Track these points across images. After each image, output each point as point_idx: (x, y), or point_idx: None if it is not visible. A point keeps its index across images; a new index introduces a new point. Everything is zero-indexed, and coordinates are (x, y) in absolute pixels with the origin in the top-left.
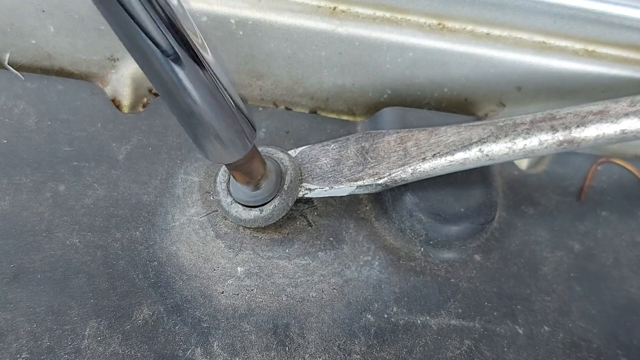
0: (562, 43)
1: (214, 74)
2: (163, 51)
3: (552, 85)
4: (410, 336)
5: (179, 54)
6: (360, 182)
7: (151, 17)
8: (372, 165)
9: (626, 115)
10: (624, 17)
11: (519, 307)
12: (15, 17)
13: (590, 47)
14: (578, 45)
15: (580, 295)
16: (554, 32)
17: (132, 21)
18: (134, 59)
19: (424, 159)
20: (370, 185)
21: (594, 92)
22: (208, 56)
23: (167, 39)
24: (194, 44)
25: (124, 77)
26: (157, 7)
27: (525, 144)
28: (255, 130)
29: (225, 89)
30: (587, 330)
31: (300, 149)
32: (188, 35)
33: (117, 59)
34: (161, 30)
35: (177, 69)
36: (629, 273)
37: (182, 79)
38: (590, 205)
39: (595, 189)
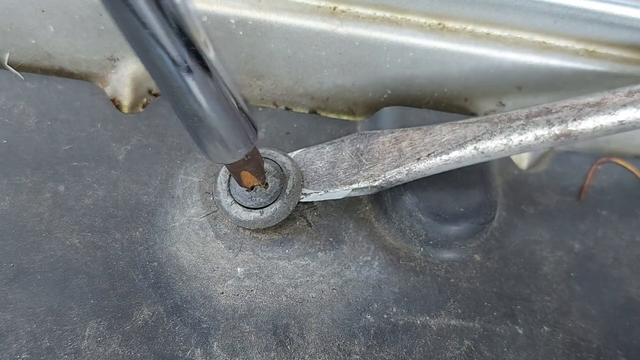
0: (562, 43)
1: (220, 76)
2: (173, 60)
3: (553, 85)
4: (409, 336)
5: (189, 63)
6: (355, 185)
7: (162, 25)
8: (367, 167)
9: (624, 106)
10: (624, 17)
11: (519, 307)
12: (15, 17)
13: (591, 47)
14: (578, 46)
15: (580, 295)
16: (554, 32)
17: (144, 28)
18: (144, 66)
19: (418, 159)
20: (365, 187)
21: (594, 92)
22: (211, 55)
23: (177, 48)
24: (201, 50)
25: (124, 77)
26: (168, 13)
27: (521, 140)
28: (256, 130)
29: (229, 90)
30: (587, 330)
31: (295, 152)
32: (197, 42)
33: (117, 59)
34: (172, 39)
35: (186, 77)
36: (628, 273)
37: (190, 85)
38: (590, 205)
39: (595, 189)
